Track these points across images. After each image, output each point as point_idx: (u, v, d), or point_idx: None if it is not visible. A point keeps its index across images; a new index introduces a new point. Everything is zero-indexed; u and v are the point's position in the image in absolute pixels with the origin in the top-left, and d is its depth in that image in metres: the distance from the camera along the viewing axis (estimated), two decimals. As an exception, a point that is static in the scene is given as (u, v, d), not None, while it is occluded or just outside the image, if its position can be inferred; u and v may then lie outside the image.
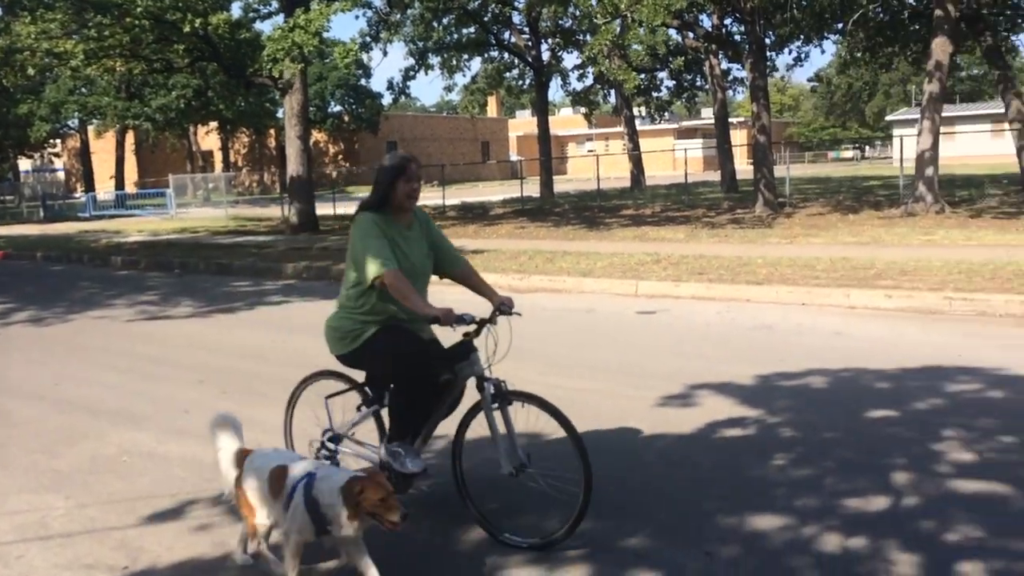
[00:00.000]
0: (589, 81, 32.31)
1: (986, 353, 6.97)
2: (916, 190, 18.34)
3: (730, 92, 35.45)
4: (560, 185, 37.91)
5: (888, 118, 64.09)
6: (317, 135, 53.83)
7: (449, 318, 3.67)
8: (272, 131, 54.10)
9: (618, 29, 24.59)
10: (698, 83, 34.30)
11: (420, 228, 4.14)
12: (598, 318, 9.50)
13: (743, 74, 25.07)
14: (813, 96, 79.06)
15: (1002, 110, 23.47)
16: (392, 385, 4.04)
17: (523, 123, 68.65)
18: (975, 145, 46.13)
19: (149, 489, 4.76)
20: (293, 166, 21.47)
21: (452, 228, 21.17)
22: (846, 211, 19.61)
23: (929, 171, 18.17)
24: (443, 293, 4.25)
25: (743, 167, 34.84)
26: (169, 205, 33.57)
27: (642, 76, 30.68)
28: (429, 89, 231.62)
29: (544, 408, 3.80)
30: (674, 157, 50.60)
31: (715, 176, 35.27)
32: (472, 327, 3.84)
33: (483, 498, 4.08)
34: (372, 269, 3.81)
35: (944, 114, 20.20)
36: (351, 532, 3.29)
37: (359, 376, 4.30)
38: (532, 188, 33.03)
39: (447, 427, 4.19)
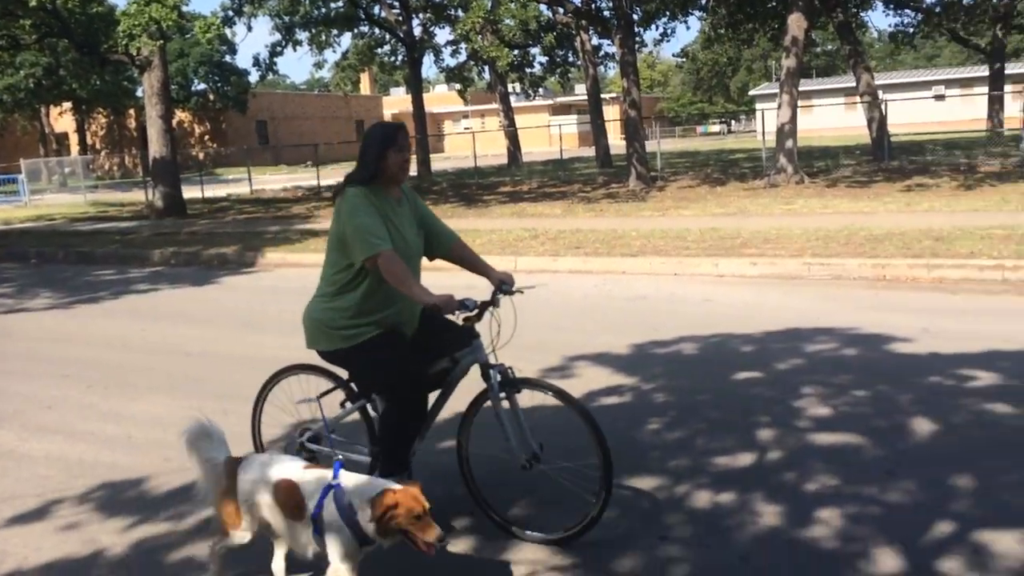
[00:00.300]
0: (463, 57, 32.23)
1: (841, 315, 7.41)
2: (777, 162, 19.21)
3: (601, 68, 36.06)
4: (437, 163, 37.75)
5: (751, 93, 66.66)
6: (181, 115, 51.55)
7: (451, 306, 3.36)
8: (132, 111, 51.44)
9: (489, 4, 24.59)
10: (570, 59, 34.70)
11: (409, 204, 3.78)
12: (477, 295, 9.55)
13: (613, 50, 25.54)
14: (681, 72, 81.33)
15: (854, 84, 24.83)
16: (384, 406, 3.70)
17: (398, 100, 67.77)
18: (831, 117, 48.67)
19: (12, 489, 4.52)
20: (155, 147, 20.56)
21: (328, 209, 20.79)
22: (714, 183, 20.34)
23: (789, 143, 19.06)
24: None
25: (616, 142, 35.58)
26: (22, 192, 31.54)
27: (515, 52, 30.77)
28: (298, 66, 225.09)
29: (557, 395, 3.58)
30: (550, 133, 51.05)
31: (590, 151, 35.88)
32: (474, 312, 3.53)
33: (495, 493, 3.84)
34: (364, 248, 3.43)
35: (801, 88, 21.20)
36: (380, 545, 2.95)
37: (335, 369, 3.92)
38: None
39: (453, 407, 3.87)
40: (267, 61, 29.26)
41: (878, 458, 4.30)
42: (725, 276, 9.60)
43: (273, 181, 34.53)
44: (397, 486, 2.94)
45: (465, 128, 63.53)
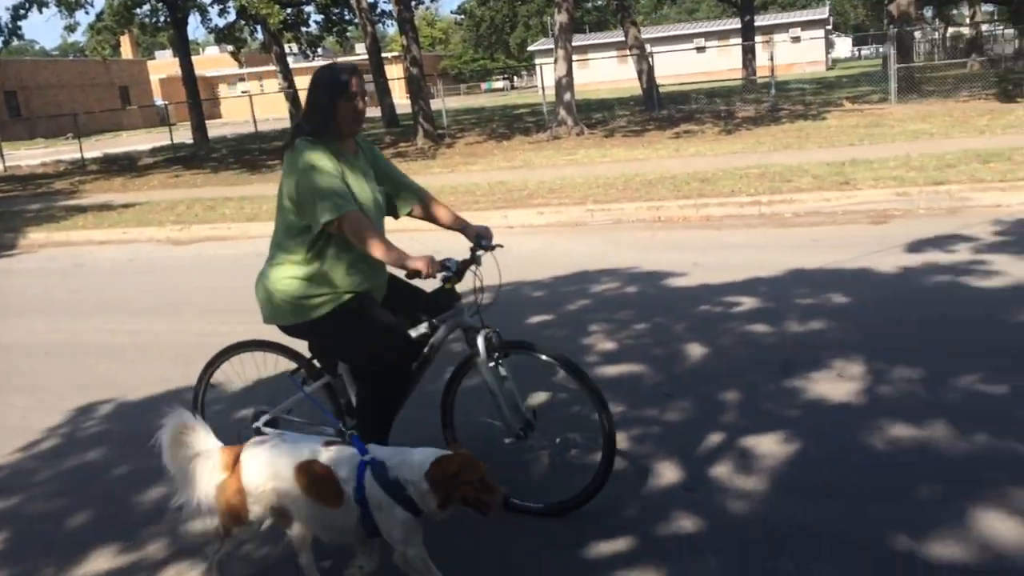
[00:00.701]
0: (232, 17, 30.64)
1: (622, 255, 7.87)
2: (558, 115, 19.86)
3: (380, 26, 35.50)
4: (215, 129, 35.93)
5: (530, 48, 68.14)
6: (-89, 87, 45.77)
7: (433, 268, 3.05)
8: None
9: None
10: (347, 17, 33.88)
11: (365, 157, 3.40)
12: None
13: (390, 7, 25.22)
14: (461, 29, 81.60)
15: (624, 38, 25.96)
16: (362, 380, 3.37)
17: (165, 64, 63.54)
18: (606, 71, 50.69)
19: None
20: None
21: (96, 183, 19.36)
22: (500, 138, 20.74)
23: (567, 96, 19.73)
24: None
25: (402, 101, 35.30)
26: None
27: (288, 10, 29.62)
28: (47, 30, 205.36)
29: (549, 356, 3.35)
30: (332, 94, 49.83)
31: (375, 111, 35.38)
32: (455, 272, 3.21)
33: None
34: (325, 210, 3.05)
35: (577, 43, 21.96)
36: (436, 520, 2.73)
37: (288, 341, 3.54)
38: (183, 134, 30.97)
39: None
40: (10, 26, 26.44)
41: (658, 383, 4.66)
42: (515, 227, 9.88)
43: (30, 156, 31.51)
44: (445, 452, 2.72)
45: (242, 92, 60.64)
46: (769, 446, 3.76)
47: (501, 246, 3.47)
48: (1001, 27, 40.23)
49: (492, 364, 3.33)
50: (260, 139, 28.18)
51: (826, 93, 26.31)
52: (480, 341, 3.31)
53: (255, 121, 30.12)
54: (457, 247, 3.69)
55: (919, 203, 8.82)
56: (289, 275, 3.23)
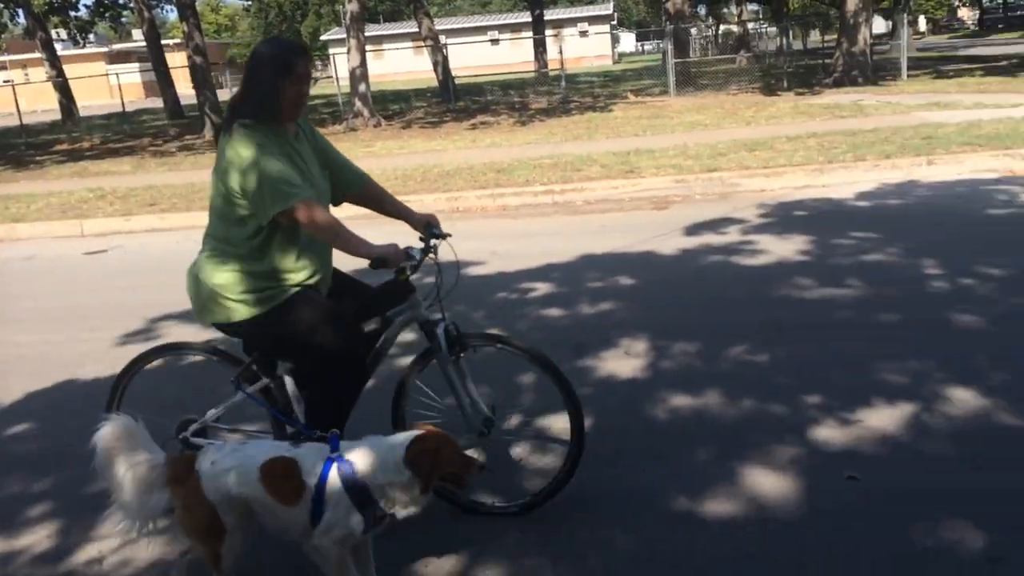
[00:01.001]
0: (-12, -2, 27.88)
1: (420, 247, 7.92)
2: (354, 106, 19.65)
3: (159, 11, 33.53)
4: (-28, 121, 32.57)
5: (323, 38, 66.65)
6: None
7: (399, 257, 2.87)
8: None
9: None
10: (121, 1, 31.73)
11: (307, 140, 3.15)
12: (40, 265, 8.64)
13: (171, -8, 23.86)
14: (249, 16, 78.48)
15: (418, 29, 26.00)
16: (310, 384, 3.13)
17: (-91, 49, 56.81)
18: (402, 62, 50.65)
19: None
20: None
21: None
22: (294, 130, 20.20)
23: (362, 87, 19.55)
24: None
25: (188, 91, 33.54)
26: None
27: (54, -7, 27.36)
28: None
29: (512, 348, 3.24)
30: (109, 84, 46.52)
31: (159, 102, 33.44)
32: (412, 263, 2.98)
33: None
34: (276, 200, 2.82)
35: (371, 33, 21.77)
36: (417, 507, 2.60)
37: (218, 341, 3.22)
38: (-66, 127, 27.90)
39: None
40: None
41: (458, 371, 4.75)
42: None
43: None
44: (416, 432, 2.59)
45: (4, 81, 55.32)
46: (563, 424, 3.93)
47: (450, 235, 3.32)
48: (765, 25, 43.82)
49: (453, 358, 3.22)
50: (27, 132, 25.84)
51: (613, 86, 27.62)
52: (441, 334, 3.18)
53: (20, 113, 27.56)
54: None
55: (696, 189, 9.49)
56: (229, 268, 2.97)
